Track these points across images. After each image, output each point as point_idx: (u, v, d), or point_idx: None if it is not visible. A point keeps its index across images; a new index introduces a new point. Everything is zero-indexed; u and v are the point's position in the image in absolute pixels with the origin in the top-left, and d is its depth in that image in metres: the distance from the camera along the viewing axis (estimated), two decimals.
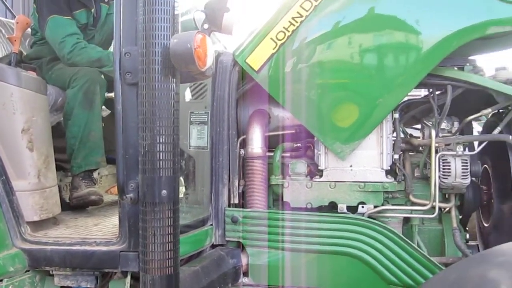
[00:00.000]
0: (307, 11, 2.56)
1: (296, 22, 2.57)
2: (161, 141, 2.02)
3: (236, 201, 2.71)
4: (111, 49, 3.91)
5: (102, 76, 3.24)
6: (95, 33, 3.59)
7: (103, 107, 3.35)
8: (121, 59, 2.15)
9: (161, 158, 2.03)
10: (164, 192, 2.03)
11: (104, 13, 3.61)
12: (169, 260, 2.03)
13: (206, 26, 2.23)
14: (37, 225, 2.50)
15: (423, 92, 3.44)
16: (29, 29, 3.60)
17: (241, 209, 2.70)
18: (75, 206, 3.06)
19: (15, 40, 3.08)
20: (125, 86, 2.18)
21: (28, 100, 2.54)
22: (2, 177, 2.39)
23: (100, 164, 3.14)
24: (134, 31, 2.17)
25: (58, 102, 3.20)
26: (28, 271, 2.35)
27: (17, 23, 3.14)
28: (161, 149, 2.02)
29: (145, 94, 2.03)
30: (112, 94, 2.29)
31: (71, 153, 3.08)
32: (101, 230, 2.56)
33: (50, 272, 2.38)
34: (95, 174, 3.29)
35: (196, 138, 2.79)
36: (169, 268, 2.03)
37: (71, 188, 3.11)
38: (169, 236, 2.04)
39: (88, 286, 2.38)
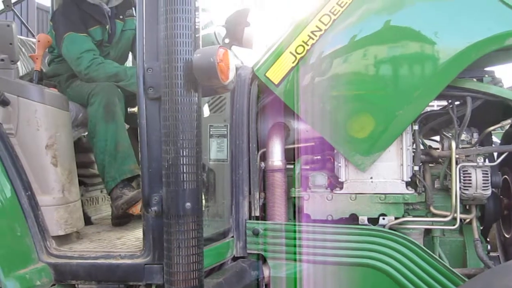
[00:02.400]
0: (325, 25, 2.59)
1: (315, 36, 2.60)
2: (184, 154, 2.06)
3: (257, 213, 2.72)
4: (127, 64, 3.98)
5: (119, 90, 3.28)
6: (110, 49, 3.64)
7: None
8: (144, 74, 2.19)
9: (184, 171, 2.06)
10: (188, 204, 2.06)
11: (119, 29, 3.65)
12: (194, 272, 2.06)
13: (227, 40, 2.28)
14: (62, 239, 2.53)
15: (435, 104, 3.46)
16: None
17: (262, 221, 2.71)
18: (122, 216, 3.04)
19: (37, 58, 3.13)
20: (148, 101, 2.22)
21: (52, 116, 2.59)
22: (28, 192, 2.43)
23: (135, 171, 3.06)
24: (155, 47, 2.22)
25: (79, 118, 3.25)
26: (54, 285, 2.38)
27: (39, 41, 3.19)
28: (184, 162, 2.06)
29: (168, 109, 2.07)
30: (134, 109, 2.32)
31: (103, 169, 3.06)
32: (124, 244, 2.59)
33: (76, 285, 2.41)
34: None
35: (216, 151, 2.81)
36: (194, 280, 2.05)
37: (114, 200, 3.03)
38: (194, 248, 2.07)
39: None
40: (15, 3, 4.66)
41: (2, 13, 4.71)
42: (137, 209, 2.91)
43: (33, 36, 4.83)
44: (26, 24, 4.95)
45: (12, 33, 2.68)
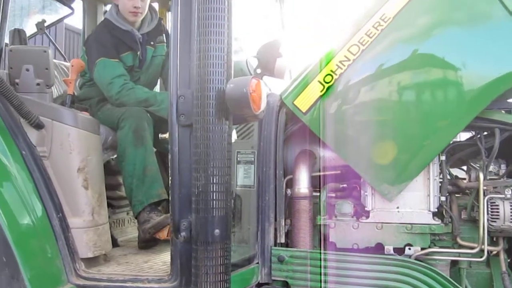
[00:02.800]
0: (354, 55, 2.63)
1: (344, 65, 2.63)
2: (214, 181, 2.09)
3: (283, 240, 2.74)
4: (156, 89, 4.05)
5: (148, 115, 3.34)
6: (141, 74, 3.72)
7: None
8: (177, 102, 2.24)
9: (214, 198, 2.09)
10: (217, 231, 2.08)
11: (149, 55, 3.73)
12: None
13: (259, 70, 2.32)
14: (91, 261, 2.57)
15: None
16: None
17: (287, 248, 2.72)
18: (149, 239, 3.08)
19: (70, 82, 3.22)
20: (180, 128, 2.26)
21: (84, 140, 2.65)
22: (59, 214, 2.49)
23: (162, 196, 3.12)
24: (187, 75, 2.27)
25: (108, 141, 3.31)
26: None
27: (72, 66, 3.28)
28: (214, 189, 2.09)
29: (199, 136, 2.10)
30: (165, 135, 2.37)
31: (131, 193, 3.11)
32: (151, 268, 2.62)
33: None
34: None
35: (243, 177, 2.84)
36: None
37: (141, 224, 3.09)
38: (221, 275, 2.08)
39: None
40: (47, 27, 4.77)
41: (34, 36, 4.82)
42: (163, 234, 2.94)
43: (64, 59, 4.95)
44: (58, 47, 5.07)
45: (48, 58, 2.77)
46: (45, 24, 4.71)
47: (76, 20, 4.91)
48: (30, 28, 4.72)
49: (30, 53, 2.81)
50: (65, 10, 4.86)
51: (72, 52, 11.95)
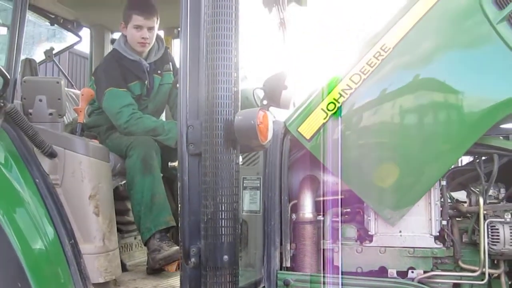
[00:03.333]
0: (356, 83, 2.71)
1: (346, 94, 2.72)
2: (223, 208, 2.17)
3: (288, 264, 2.78)
4: (162, 116, 4.14)
5: (156, 143, 3.42)
6: (148, 102, 3.81)
7: None
8: (187, 132, 2.32)
9: (223, 225, 2.17)
10: (225, 257, 2.16)
11: (156, 84, 3.82)
12: None
13: (265, 102, 2.41)
14: (101, 287, 2.63)
15: None
16: None
17: (293, 272, 2.78)
18: (159, 269, 3.13)
19: (80, 111, 3.32)
20: (189, 157, 2.34)
21: (95, 168, 2.74)
22: (71, 240, 2.56)
23: (169, 223, 3.19)
24: (196, 106, 2.36)
25: (117, 168, 3.39)
26: None
27: (82, 95, 3.39)
28: (223, 216, 2.17)
29: (208, 165, 2.19)
30: (174, 164, 2.45)
31: (139, 220, 3.19)
32: None
33: None
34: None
35: (249, 202, 2.90)
36: None
37: (151, 252, 3.15)
38: None
39: None
40: (55, 54, 4.90)
41: (43, 63, 4.94)
42: (172, 268, 2.99)
43: (72, 85, 5.06)
44: (66, 75, 5.18)
45: (60, 89, 2.87)
46: (53, 52, 4.83)
47: (80, 44, 5.03)
48: (38, 56, 4.85)
49: (43, 84, 2.91)
50: (72, 38, 4.99)
51: (77, 75, 12.09)
